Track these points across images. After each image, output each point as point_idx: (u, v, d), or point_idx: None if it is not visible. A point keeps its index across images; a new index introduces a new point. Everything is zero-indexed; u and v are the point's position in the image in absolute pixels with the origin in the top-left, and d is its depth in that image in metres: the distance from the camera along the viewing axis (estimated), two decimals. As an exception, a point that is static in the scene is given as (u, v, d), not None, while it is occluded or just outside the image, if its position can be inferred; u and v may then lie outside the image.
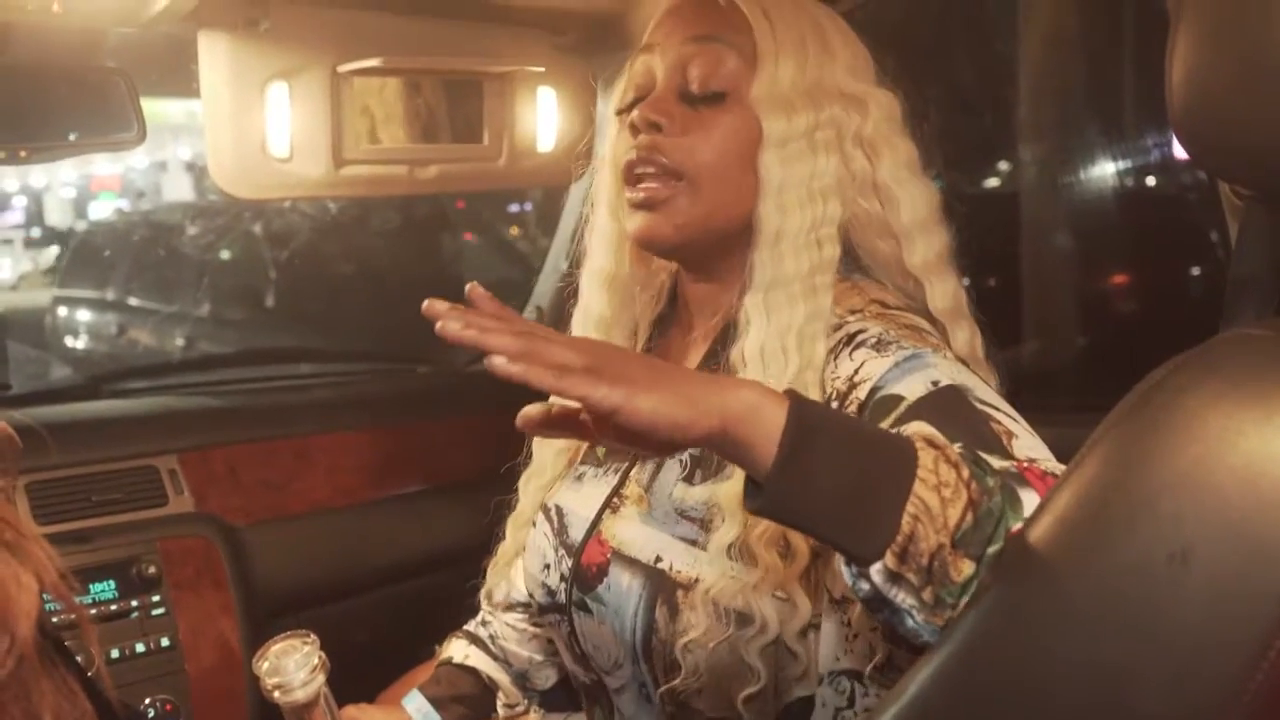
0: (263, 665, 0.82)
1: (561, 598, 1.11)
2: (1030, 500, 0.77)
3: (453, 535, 1.77)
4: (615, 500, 1.10)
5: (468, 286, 0.78)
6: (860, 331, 1.00)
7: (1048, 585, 0.71)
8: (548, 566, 1.13)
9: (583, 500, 1.13)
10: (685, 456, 1.07)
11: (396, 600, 1.75)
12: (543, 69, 1.50)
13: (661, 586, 1.02)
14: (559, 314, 1.95)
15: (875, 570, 0.75)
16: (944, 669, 0.74)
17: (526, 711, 1.33)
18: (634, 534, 1.06)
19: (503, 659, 1.33)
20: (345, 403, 1.91)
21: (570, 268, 1.89)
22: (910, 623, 0.77)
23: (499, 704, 1.33)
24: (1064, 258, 3.37)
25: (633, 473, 1.10)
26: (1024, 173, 3.53)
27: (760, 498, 0.76)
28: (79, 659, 0.68)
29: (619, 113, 1.12)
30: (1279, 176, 0.75)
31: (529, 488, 1.20)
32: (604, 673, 1.10)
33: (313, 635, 0.85)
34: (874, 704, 0.97)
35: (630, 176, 1.05)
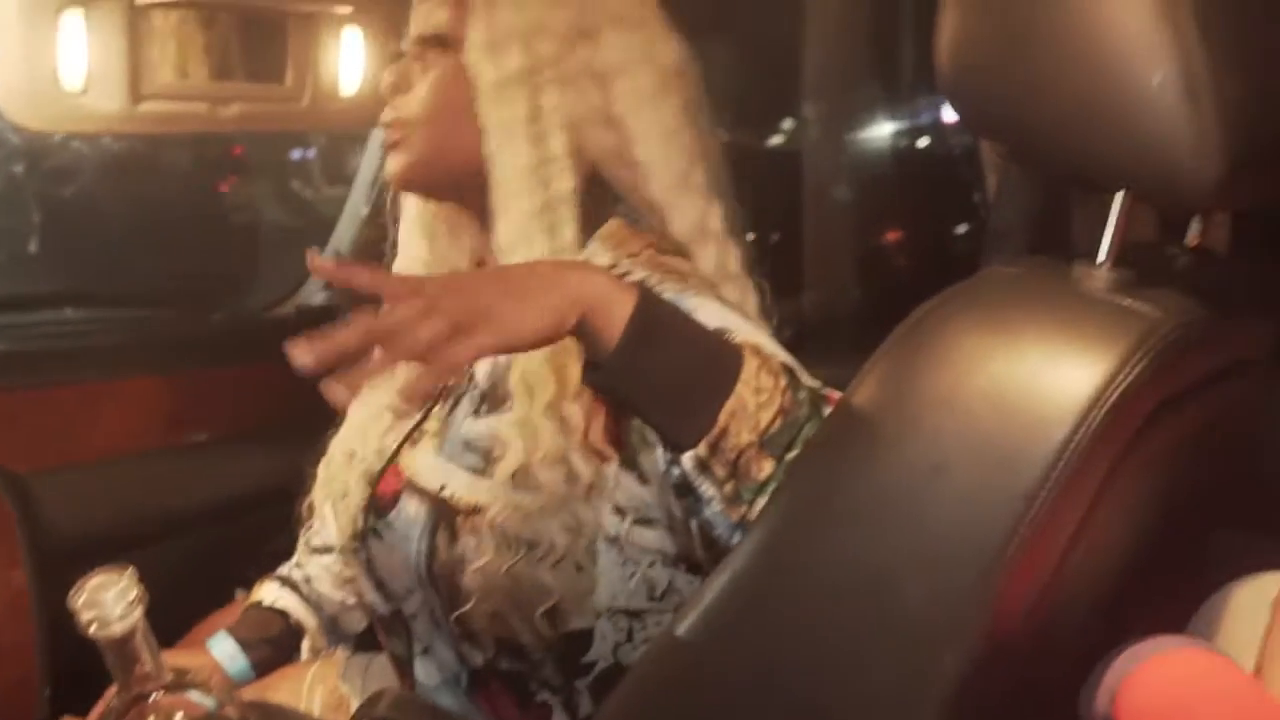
0: (78, 600, 0.82)
1: (360, 525, 1.16)
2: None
3: (250, 482, 1.75)
4: (415, 433, 1.15)
5: (308, 255, 0.81)
6: (626, 274, 1.06)
7: (829, 493, 0.80)
8: (347, 495, 1.18)
9: (388, 433, 1.18)
10: (477, 392, 1.12)
11: (194, 547, 1.73)
12: (349, 9, 1.50)
13: (443, 513, 1.08)
14: (360, 258, 1.96)
15: (687, 457, 0.82)
16: (741, 573, 0.81)
17: (331, 653, 1.36)
18: (427, 464, 1.11)
19: (315, 602, 1.35)
20: (135, 348, 1.86)
21: (372, 213, 1.91)
22: (708, 512, 0.84)
23: (305, 647, 1.35)
24: (843, 214, 3.55)
25: (435, 409, 1.15)
26: (807, 132, 3.68)
27: (599, 371, 0.82)
28: None
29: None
30: (1029, 137, 0.85)
31: (359, 430, 1.22)
32: (399, 600, 1.14)
33: (130, 568, 0.85)
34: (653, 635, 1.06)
35: (385, 129, 1.16)
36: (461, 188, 1.13)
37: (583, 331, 0.82)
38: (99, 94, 1.32)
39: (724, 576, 0.82)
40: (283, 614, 1.33)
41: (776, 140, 3.87)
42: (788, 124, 3.86)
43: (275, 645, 1.32)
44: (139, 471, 1.70)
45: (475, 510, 1.06)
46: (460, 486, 1.08)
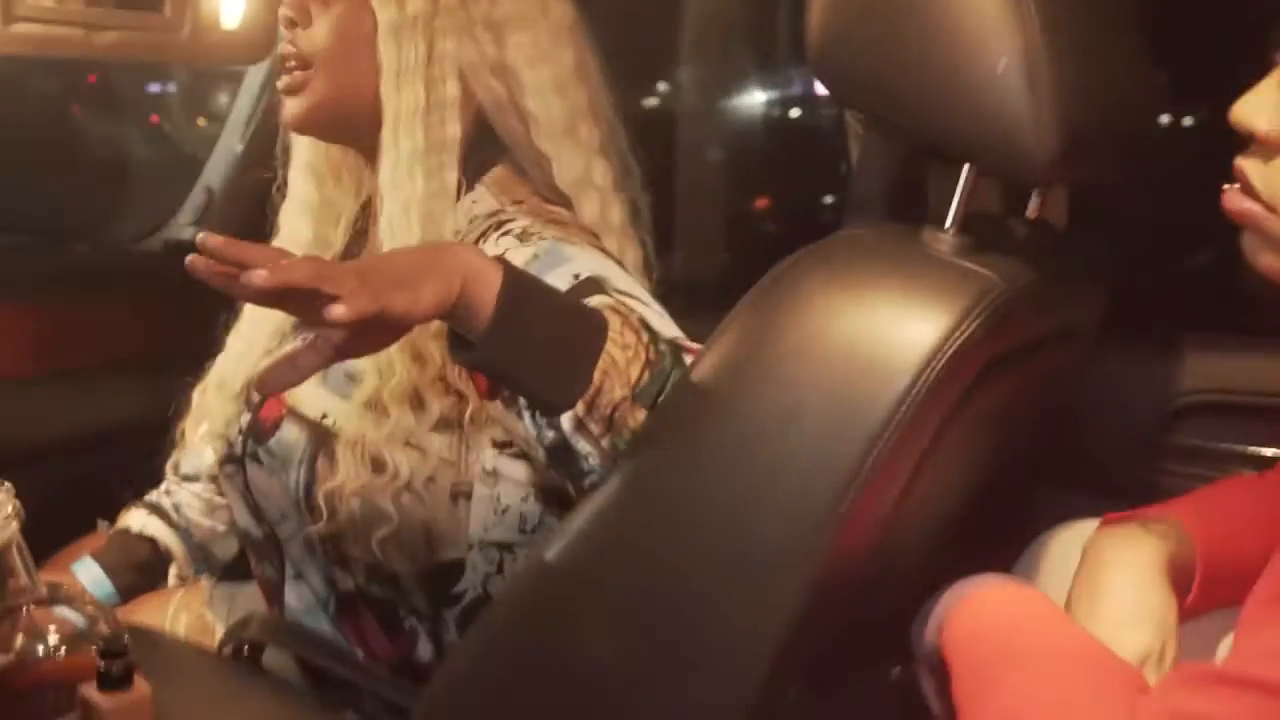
0: (-45, 513, 0.83)
1: (239, 450, 1.18)
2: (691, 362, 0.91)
3: (116, 414, 1.73)
4: None
5: (199, 237, 0.79)
6: (509, 220, 1.10)
7: (693, 433, 0.86)
8: (230, 420, 1.20)
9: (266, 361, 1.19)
10: None
11: (59, 476, 1.70)
12: (231, -56, 1.49)
13: (323, 440, 1.11)
14: (234, 197, 1.94)
15: (565, 418, 0.87)
16: (607, 505, 0.87)
17: (197, 581, 1.37)
18: (309, 394, 1.13)
19: (184, 529, 1.36)
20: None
21: (246, 152, 1.90)
22: (585, 466, 0.89)
23: (171, 574, 1.36)
24: (714, 178, 3.63)
25: None
26: (683, 96, 3.75)
27: (473, 351, 0.85)
28: None
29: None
30: (888, 109, 0.92)
31: (237, 363, 1.23)
32: (274, 524, 1.17)
33: (6, 483, 0.86)
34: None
35: (282, 67, 1.15)
36: (356, 129, 1.15)
37: (459, 304, 0.84)
38: (-31, 13, 1.29)
39: (591, 507, 0.88)
40: (150, 540, 1.34)
41: (651, 103, 3.92)
42: (663, 88, 3.91)
43: (141, 571, 1.33)
44: (3, 398, 1.67)
45: (355, 438, 1.09)
46: (341, 415, 1.11)
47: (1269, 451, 1.31)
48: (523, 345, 0.85)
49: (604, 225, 1.16)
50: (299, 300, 0.79)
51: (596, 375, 0.85)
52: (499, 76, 1.14)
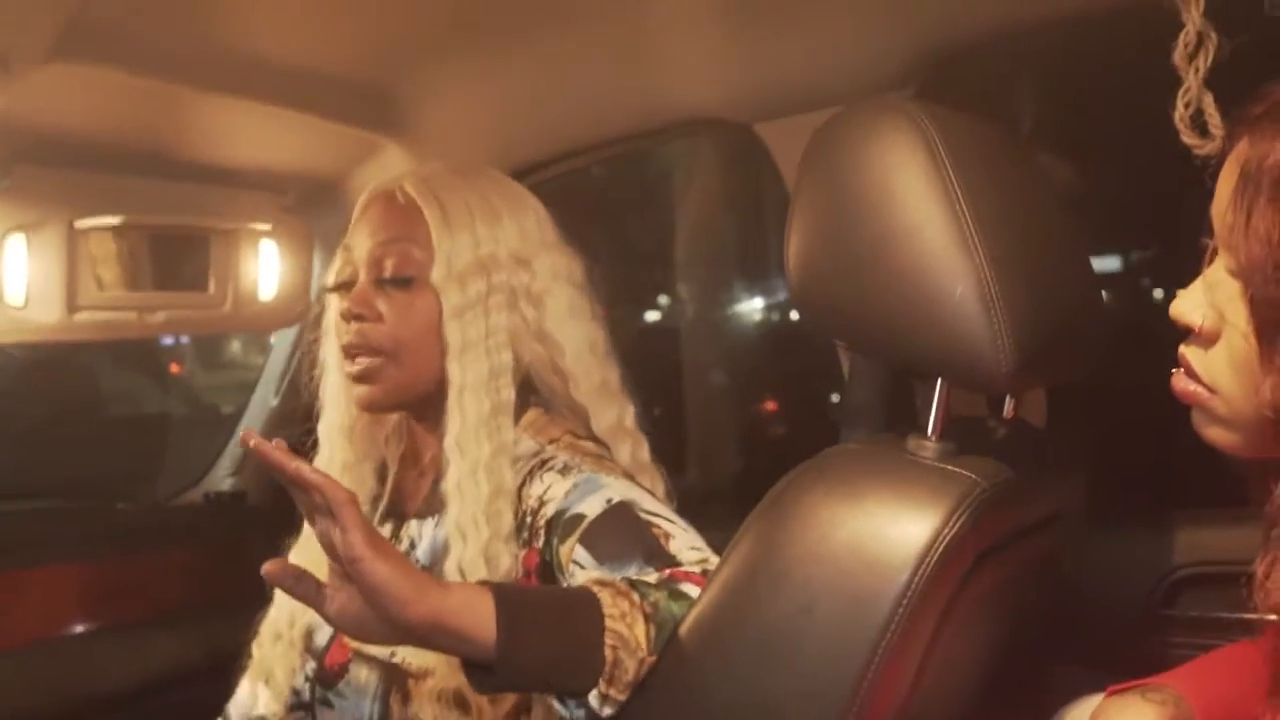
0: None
1: (306, 696, 1.24)
2: (690, 589, 1.00)
3: (172, 662, 1.81)
4: None
5: (243, 434, 0.93)
6: (551, 459, 1.21)
7: (713, 639, 0.95)
8: (294, 670, 1.27)
9: None
10: (418, 567, 1.23)
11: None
12: (267, 226, 1.66)
13: (395, 678, 1.18)
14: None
15: (592, 697, 0.95)
16: (646, 706, 0.95)
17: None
18: None
19: None
20: (48, 539, 1.90)
21: (281, 404, 2.02)
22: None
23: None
24: (720, 388, 3.78)
25: None
26: (683, 312, 3.94)
27: (490, 679, 0.94)
28: None
29: (329, 291, 1.30)
30: (865, 335, 1.04)
31: (290, 611, 1.29)
32: None
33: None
34: None
35: (346, 355, 1.25)
36: (417, 401, 1.26)
37: (450, 635, 0.93)
38: (39, 308, 1.44)
39: (631, 710, 0.96)
40: None
41: (653, 316, 4.11)
42: (665, 304, 4.11)
43: None
44: (61, 657, 1.73)
45: (426, 674, 1.16)
46: (410, 652, 1.17)
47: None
48: (532, 660, 0.94)
49: (637, 464, 1.27)
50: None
51: (608, 652, 0.95)
52: (540, 341, 1.26)
